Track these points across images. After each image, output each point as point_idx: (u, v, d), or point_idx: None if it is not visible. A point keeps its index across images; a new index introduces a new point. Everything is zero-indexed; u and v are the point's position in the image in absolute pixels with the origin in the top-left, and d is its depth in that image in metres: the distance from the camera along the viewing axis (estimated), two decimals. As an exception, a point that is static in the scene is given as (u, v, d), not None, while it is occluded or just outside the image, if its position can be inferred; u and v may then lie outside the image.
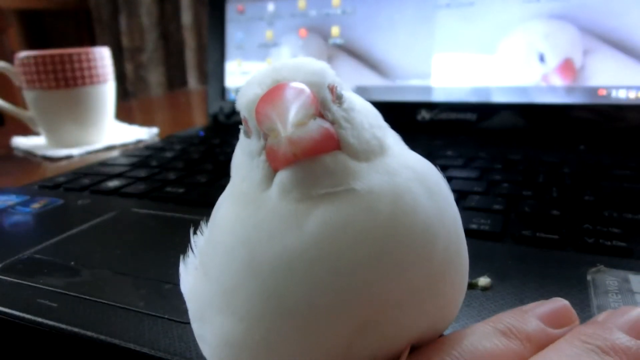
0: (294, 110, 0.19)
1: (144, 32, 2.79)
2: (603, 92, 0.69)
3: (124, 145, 0.96)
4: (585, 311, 0.30)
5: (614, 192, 0.48)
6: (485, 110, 0.76)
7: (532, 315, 0.24)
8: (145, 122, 1.11)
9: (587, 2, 0.69)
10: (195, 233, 0.25)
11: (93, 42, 2.87)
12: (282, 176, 0.20)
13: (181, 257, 0.25)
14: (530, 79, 0.73)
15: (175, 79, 2.88)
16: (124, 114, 1.18)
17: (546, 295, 0.26)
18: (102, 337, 0.31)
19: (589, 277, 0.34)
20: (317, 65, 0.22)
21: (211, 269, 0.22)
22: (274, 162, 0.20)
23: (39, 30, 3.07)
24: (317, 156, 0.19)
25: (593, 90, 0.70)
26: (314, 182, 0.19)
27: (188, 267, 0.24)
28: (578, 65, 0.70)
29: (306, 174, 0.19)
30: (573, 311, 0.25)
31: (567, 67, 0.71)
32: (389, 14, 0.81)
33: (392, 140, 0.23)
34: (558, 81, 0.71)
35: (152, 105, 1.73)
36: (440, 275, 0.21)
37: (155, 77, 2.88)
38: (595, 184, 0.51)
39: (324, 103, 0.21)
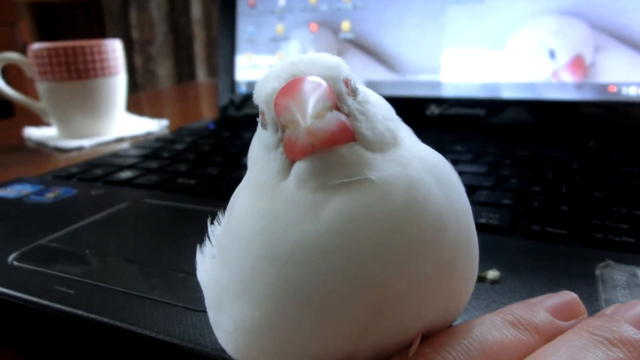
0: (312, 102, 0.19)
1: (153, 25, 2.80)
2: (613, 89, 0.69)
3: (134, 137, 0.97)
4: (593, 305, 0.30)
5: (623, 189, 0.48)
6: (494, 106, 0.76)
7: (541, 308, 0.24)
8: (154, 115, 1.11)
9: (598, -1, 0.69)
10: (212, 223, 0.25)
11: (103, 35, 2.88)
12: (299, 167, 0.20)
13: (198, 246, 0.26)
14: (540, 75, 0.73)
15: (184, 71, 2.89)
16: (134, 106, 1.19)
17: (555, 289, 0.26)
18: (118, 323, 0.31)
19: (597, 272, 0.34)
20: (332, 59, 0.22)
21: (229, 257, 0.22)
22: (292, 153, 0.21)
23: (50, 22, 3.08)
24: (334, 147, 0.20)
25: (603, 87, 0.70)
26: (331, 172, 0.20)
27: (205, 256, 0.25)
28: (588, 61, 0.70)
29: (323, 164, 0.20)
30: (581, 304, 0.25)
31: (578, 63, 0.71)
32: (399, 9, 0.81)
33: (405, 132, 0.24)
34: (568, 77, 0.71)
35: (162, 98, 1.74)
36: (451, 264, 0.21)
37: (164, 70, 2.89)
38: (605, 180, 0.51)
39: (340, 96, 0.21)
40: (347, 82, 0.22)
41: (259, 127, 0.23)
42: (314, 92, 0.20)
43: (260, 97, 0.22)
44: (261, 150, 0.23)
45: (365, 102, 0.22)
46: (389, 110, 0.24)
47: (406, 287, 0.20)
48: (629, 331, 0.22)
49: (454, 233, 0.21)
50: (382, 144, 0.21)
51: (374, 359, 0.22)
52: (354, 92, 0.22)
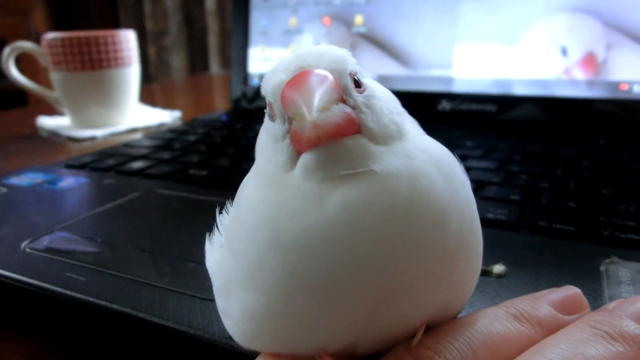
0: (318, 95, 0.20)
1: (167, 15, 2.80)
2: (625, 87, 0.69)
3: (146, 128, 0.97)
4: (597, 301, 0.31)
5: (631, 186, 0.48)
6: (505, 102, 0.76)
7: (544, 302, 0.25)
8: (167, 106, 1.12)
9: (611, -3, 0.69)
10: (220, 212, 0.26)
11: (117, 25, 2.89)
12: (305, 158, 0.21)
13: (207, 234, 0.26)
14: (552, 72, 0.73)
15: (197, 63, 2.90)
16: (147, 97, 1.20)
17: (560, 284, 0.27)
18: (128, 310, 0.32)
19: (602, 268, 0.34)
20: (339, 52, 0.23)
21: (236, 245, 0.23)
22: (298, 144, 0.21)
23: (64, 11, 3.09)
24: (339, 139, 0.20)
25: (615, 85, 0.70)
26: (336, 163, 0.20)
27: (214, 244, 0.25)
28: (600, 59, 0.70)
29: (329, 156, 0.20)
30: (584, 299, 0.25)
31: (590, 61, 0.71)
32: (412, 3, 0.81)
33: (410, 125, 0.24)
34: (580, 75, 0.71)
35: (174, 89, 1.74)
36: (454, 256, 0.22)
37: (177, 61, 2.89)
38: (613, 177, 0.51)
39: (346, 89, 0.22)
40: (353, 75, 0.22)
41: (267, 118, 0.24)
42: (320, 85, 0.20)
43: (267, 89, 0.23)
44: (269, 141, 0.23)
45: (371, 95, 0.23)
46: (394, 103, 0.24)
47: (409, 277, 0.20)
48: (630, 326, 0.22)
49: (457, 225, 0.21)
50: (387, 137, 0.22)
51: (377, 348, 0.22)
52: (359, 85, 0.22)
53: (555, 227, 0.41)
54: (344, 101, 0.21)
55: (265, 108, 0.24)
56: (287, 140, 0.22)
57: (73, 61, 0.90)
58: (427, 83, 0.82)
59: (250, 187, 0.24)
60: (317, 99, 0.19)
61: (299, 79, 0.21)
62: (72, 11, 3.12)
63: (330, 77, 0.21)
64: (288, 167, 0.22)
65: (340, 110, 0.20)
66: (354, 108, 0.21)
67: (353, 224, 0.19)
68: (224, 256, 0.24)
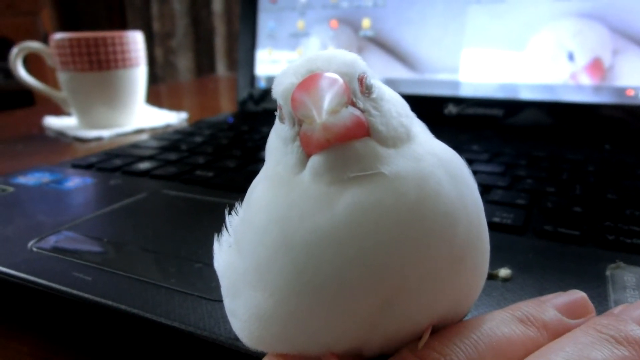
0: (328, 98, 0.20)
1: (174, 17, 2.81)
2: (631, 93, 0.69)
3: (153, 129, 0.98)
4: (602, 305, 0.31)
5: (636, 191, 0.48)
6: (512, 107, 0.76)
7: (550, 305, 0.25)
8: (173, 107, 1.12)
9: (617, 2, 0.69)
10: (230, 213, 0.26)
11: (124, 26, 2.90)
12: (315, 160, 0.21)
13: (215, 235, 0.26)
14: (558, 77, 0.73)
15: (204, 65, 2.90)
16: (153, 98, 1.20)
17: (565, 289, 0.27)
18: (135, 310, 0.32)
19: (607, 273, 0.34)
20: (349, 56, 0.23)
21: (245, 246, 0.23)
22: (308, 147, 0.21)
23: (72, 12, 3.10)
24: (349, 142, 0.20)
25: (621, 91, 0.70)
26: (345, 166, 0.20)
27: (222, 245, 0.25)
28: (607, 64, 0.70)
29: (338, 158, 0.20)
30: (590, 303, 0.25)
31: (596, 66, 0.71)
32: (419, 7, 0.81)
33: (419, 128, 0.24)
34: (586, 80, 0.71)
35: (181, 90, 1.75)
36: (461, 258, 0.22)
37: (184, 63, 2.90)
38: (619, 182, 0.51)
39: (355, 92, 0.22)
40: (363, 79, 0.22)
41: (277, 120, 0.24)
42: (330, 88, 0.20)
43: (278, 92, 0.23)
44: (279, 143, 0.23)
45: (381, 98, 0.23)
46: (403, 107, 0.24)
47: (417, 279, 0.20)
48: (636, 330, 0.22)
49: (464, 228, 0.22)
50: (396, 139, 0.22)
51: (384, 349, 0.22)
52: (369, 88, 0.23)
53: (560, 231, 0.41)
54: (353, 104, 0.21)
55: (276, 110, 0.24)
56: (297, 142, 0.22)
57: (81, 62, 0.90)
58: (434, 87, 0.82)
59: (259, 188, 0.24)
60: (326, 102, 0.20)
61: (309, 81, 0.21)
62: (80, 12, 3.13)
63: (340, 80, 0.21)
64: (298, 168, 0.22)
65: (349, 113, 0.21)
66: (363, 111, 0.22)
67: (361, 225, 0.20)
68: (233, 257, 0.24)
